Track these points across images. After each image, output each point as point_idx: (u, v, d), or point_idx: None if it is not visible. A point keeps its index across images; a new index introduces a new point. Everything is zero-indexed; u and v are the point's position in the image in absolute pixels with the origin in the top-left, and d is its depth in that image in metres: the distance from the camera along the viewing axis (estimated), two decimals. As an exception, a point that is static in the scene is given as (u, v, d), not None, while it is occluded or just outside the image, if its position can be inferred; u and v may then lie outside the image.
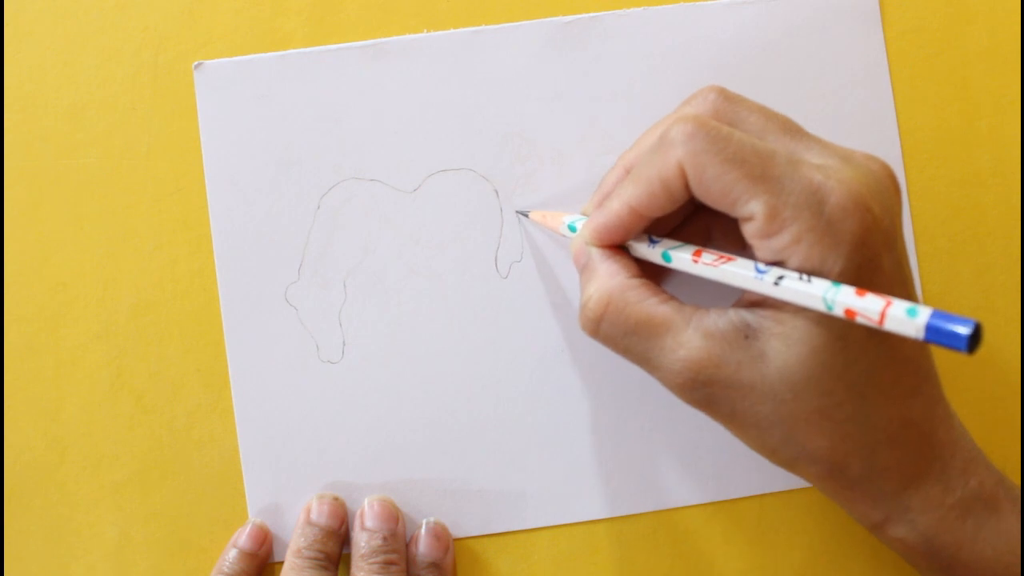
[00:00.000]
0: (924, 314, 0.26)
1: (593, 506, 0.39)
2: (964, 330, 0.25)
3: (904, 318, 0.26)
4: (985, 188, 0.40)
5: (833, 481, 0.32)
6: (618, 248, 0.33)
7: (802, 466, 0.32)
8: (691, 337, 0.30)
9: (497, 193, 0.39)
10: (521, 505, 0.39)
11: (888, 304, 0.26)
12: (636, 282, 0.32)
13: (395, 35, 0.39)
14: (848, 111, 0.40)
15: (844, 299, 0.27)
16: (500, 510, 0.39)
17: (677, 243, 0.32)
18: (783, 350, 0.29)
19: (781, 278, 0.29)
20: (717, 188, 0.30)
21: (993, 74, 0.40)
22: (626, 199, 0.32)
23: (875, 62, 0.40)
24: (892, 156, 0.40)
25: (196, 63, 0.39)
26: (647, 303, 0.31)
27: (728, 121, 0.31)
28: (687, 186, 0.30)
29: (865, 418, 0.30)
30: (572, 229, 0.35)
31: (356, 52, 0.39)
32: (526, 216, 0.39)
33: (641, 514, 0.39)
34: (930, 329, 0.25)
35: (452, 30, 0.39)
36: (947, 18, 0.40)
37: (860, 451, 0.31)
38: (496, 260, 0.39)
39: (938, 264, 0.40)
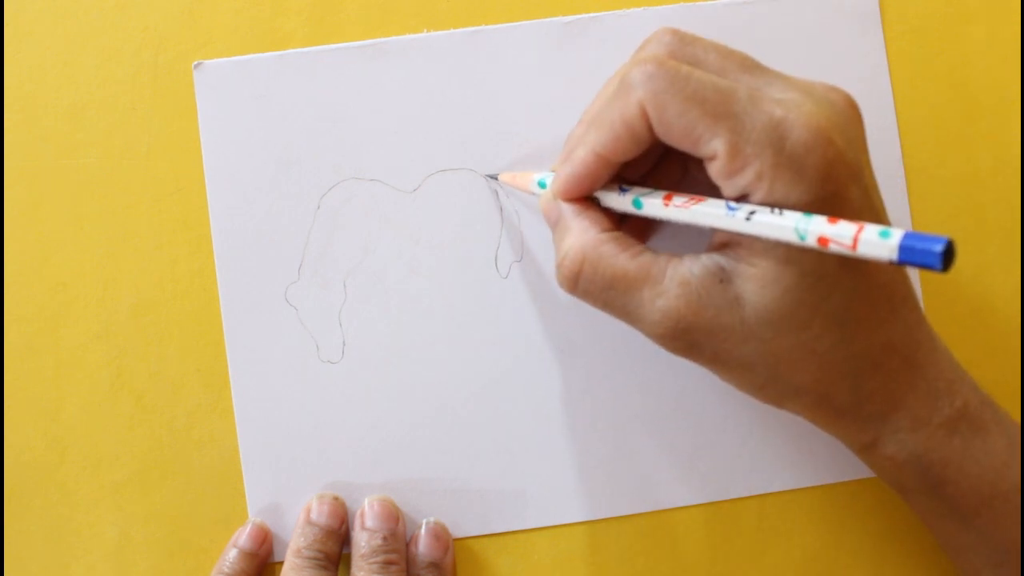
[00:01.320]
0: (897, 235, 0.25)
1: (593, 506, 0.39)
2: (937, 247, 0.24)
3: (877, 241, 0.26)
4: (985, 188, 0.40)
5: (822, 411, 0.32)
6: (588, 202, 0.33)
7: (790, 401, 0.32)
8: (668, 287, 0.31)
9: (497, 193, 0.39)
10: (521, 505, 0.39)
11: (860, 229, 0.26)
12: (609, 236, 0.32)
13: (395, 35, 0.39)
14: (848, 111, 0.40)
15: (816, 228, 0.27)
16: (500, 510, 0.39)
17: (647, 189, 0.32)
18: (758, 291, 0.30)
19: (753, 213, 0.29)
20: (679, 127, 0.30)
21: (993, 74, 0.40)
22: (591, 145, 0.32)
23: (875, 62, 0.40)
24: (892, 156, 0.40)
25: (196, 63, 0.39)
26: (622, 257, 0.32)
27: (686, 62, 0.31)
28: (650, 127, 0.30)
29: (846, 347, 0.31)
30: (542, 186, 0.35)
31: (356, 52, 0.39)
32: (495, 179, 0.38)
33: (641, 514, 0.39)
34: (903, 249, 0.25)
35: (452, 30, 0.39)
36: (947, 18, 0.40)
37: (844, 379, 0.31)
38: (496, 260, 0.39)
39: (938, 264, 0.40)
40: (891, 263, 0.26)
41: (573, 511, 0.39)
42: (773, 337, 0.30)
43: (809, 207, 0.28)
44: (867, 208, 0.30)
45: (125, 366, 0.39)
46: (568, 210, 0.33)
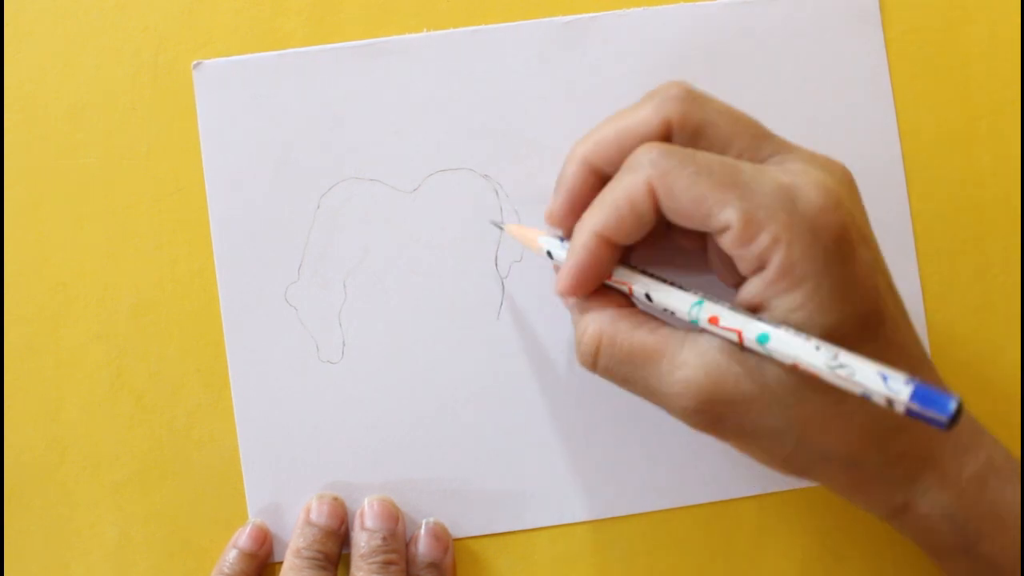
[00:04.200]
0: (906, 392, 0.27)
1: (593, 506, 0.39)
2: (951, 406, 0.26)
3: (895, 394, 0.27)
4: (985, 188, 0.40)
5: (851, 477, 0.32)
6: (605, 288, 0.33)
7: (817, 469, 0.32)
8: (687, 359, 0.30)
9: (497, 193, 0.39)
10: (521, 505, 0.39)
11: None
12: (626, 312, 0.32)
13: (395, 35, 0.39)
14: (848, 111, 0.40)
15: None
16: (500, 510, 0.39)
17: (693, 297, 0.31)
18: None
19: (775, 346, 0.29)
20: (688, 200, 0.29)
21: (993, 74, 0.40)
22: (590, 227, 0.31)
23: (875, 62, 0.40)
24: (892, 156, 0.40)
25: (195, 63, 0.39)
26: (639, 332, 0.31)
27: (696, 123, 0.31)
28: (656, 207, 0.30)
29: (871, 408, 0.30)
30: (550, 256, 0.34)
31: (356, 52, 0.39)
32: (501, 228, 0.38)
33: (641, 514, 0.39)
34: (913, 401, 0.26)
35: (452, 30, 0.39)
36: (947, 18, 0.40)
37: (873, 441, 0.31)
38: (496, 260, 0.39)
39: (938, 264, 0.40)
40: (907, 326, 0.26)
41: (573, 511, 0.39)
42: (797, 402, 0.30)
43: (826, 267, 0.28)
44: (878, 270, 0.30)
45: (125, 366, 0.39)
46: None
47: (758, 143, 0.31)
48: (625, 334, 0.31)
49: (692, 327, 0.31)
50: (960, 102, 0.40)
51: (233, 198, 0.39)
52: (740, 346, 0.30)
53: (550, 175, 0.39)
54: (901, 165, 0.40)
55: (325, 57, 0.39)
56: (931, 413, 0.26)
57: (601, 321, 0.32)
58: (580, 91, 0.39)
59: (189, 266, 0.39)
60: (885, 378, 0.27)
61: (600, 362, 0.32)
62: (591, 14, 0.39)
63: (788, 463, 0.32)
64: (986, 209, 0.40)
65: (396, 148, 0.39)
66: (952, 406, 0.26)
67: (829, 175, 0.30)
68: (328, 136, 0.39)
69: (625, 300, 0.33)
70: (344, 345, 0.39)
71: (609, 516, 0.39)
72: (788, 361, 0.28)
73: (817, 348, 0.28)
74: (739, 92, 0.39)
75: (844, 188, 0.31)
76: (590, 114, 0.39)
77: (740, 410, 0.30)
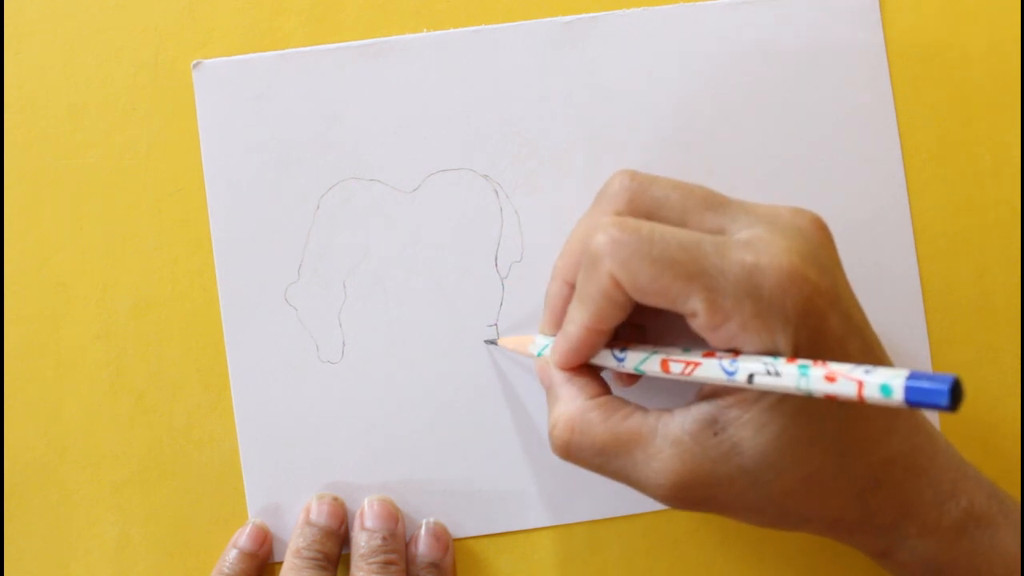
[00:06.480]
0: (899, 389, 0.25)
1: (593, 506, 0.39)
2: (944, 387, 0.24)
3: (879, 397, 0.26)
4: (985, 188, 0.40)
5: (834, 532, 0.32)
6: (581, 367, 0.33)
7: (802, 528, 0.32)
8: (661, 447, 0.30)
9: (497, 193, 0.39)
10: (521, 505, 0.39)
11: (861, 386, 0.26)
12: (597, 402, 0.32)
13: (395, 35, 0.39)
14: (848, 111, 0.40)
15: (818, 387, 0.27)
16: (500, 510, 0.39)
17: (644, 354, 0.32)
18: (753, 436, 0.29)
19: (752, 376, 0.28)
20: (653, 291, 0.29)
21: (993, 74, 0.40)
22: (580, 321, 0.32)
23: (875, 62, 0.40)
24: (892, 156, 0.40)
25: (195, 63, 0.39)
26: (610, 422, 0.31)
27: (646, 205, 0.31)
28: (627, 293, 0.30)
29: (848, 472, 0.31)
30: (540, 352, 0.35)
31: (356, 51, 0.39)
32: (495, 344, 0.38)
33: (641, 514, 0.39)
34: (910, 391, 0.25)
35: (452, 30, 0.39)
36: (947, 18, 0.40)
37: (851, 501, 0.31)
38: (496, 260, 0.39)
39: (938, 264, 0.40)
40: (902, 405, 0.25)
41: (574, 511, 0.39)
42: (776, 477, 0.30)
43: (796, 347, 0.28)
44: (851, 331, 0.30)
45: (125, 366, 0.39)
46: (559, 377, 0.33)
47: (714, 213, 0.31)
48: (597, 425, 0.31)
49: (665, 409, 0.31)
50: (960, 102, 0.40)
51: (233, 198, 0.39)
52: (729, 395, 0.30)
53: (550, 175, 0.39)
54: (901, 165, 0.40)
55: (325, 57, 0.39)
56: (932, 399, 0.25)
57: (572, 412, 0.32)
58: (580, 91, 0.39)
59: (189, 266, 0.39)
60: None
61: (572, 452, 0.32)
62: (592, 14, 0.39)
63: (773, 525, 0.32)
64: (986, 209, 0.40)
65: (396, 148, 0.39)
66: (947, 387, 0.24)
67: (794, 240, 0.30)
68: (328, 136, 0.39)
69: (598, 388, 0.33)
70: (344, 345, 0.39)
71: (609, 516, 0.39)
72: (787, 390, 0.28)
73: (806, 371, 0.28)
74: (739, 92, 0.39)
75: (810, 249, 0.30)
76: (590, 114, 0.39)
77: (719, 492, 0.30)
